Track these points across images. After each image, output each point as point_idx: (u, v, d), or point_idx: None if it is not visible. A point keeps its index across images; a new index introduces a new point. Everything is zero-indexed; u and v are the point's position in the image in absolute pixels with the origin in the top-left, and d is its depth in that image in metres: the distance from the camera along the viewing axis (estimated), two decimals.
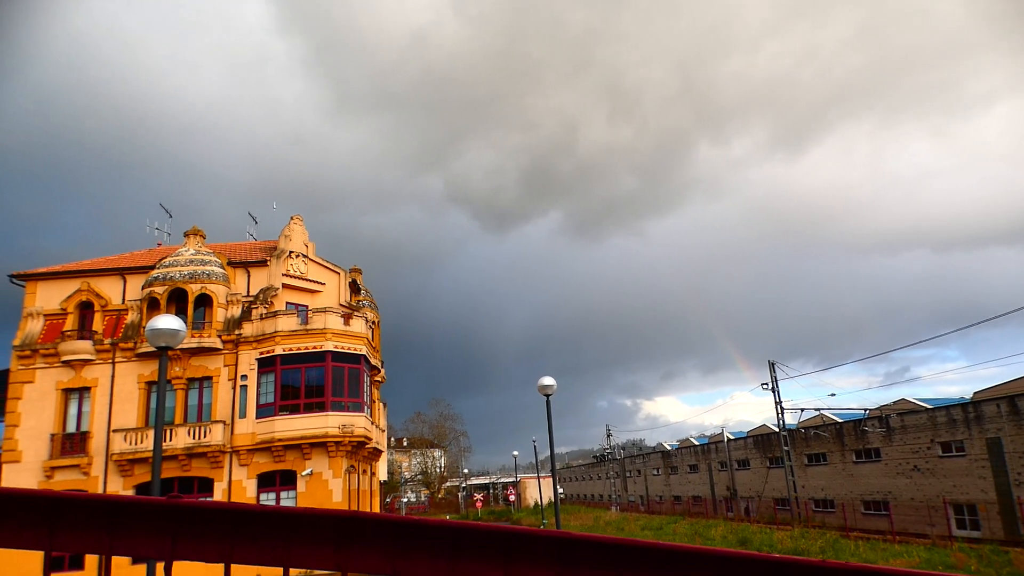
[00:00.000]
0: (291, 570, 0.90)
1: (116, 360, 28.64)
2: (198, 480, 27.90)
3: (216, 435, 27.63)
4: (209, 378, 29.04)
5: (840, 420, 45.08)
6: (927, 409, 37.96)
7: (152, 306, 28.85)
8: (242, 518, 0.90)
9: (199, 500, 0.90)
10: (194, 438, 27.51)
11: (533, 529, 0.86)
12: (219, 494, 27.70)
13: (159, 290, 28.80)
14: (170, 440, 27.04)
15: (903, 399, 42.52)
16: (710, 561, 0.84)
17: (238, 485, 27.90)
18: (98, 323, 29.36)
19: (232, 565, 0.88)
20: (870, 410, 42.33)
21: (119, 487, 27.33)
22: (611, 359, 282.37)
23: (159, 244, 36.58)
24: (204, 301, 29.67)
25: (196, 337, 28.43)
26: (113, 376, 28.49)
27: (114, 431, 27.50)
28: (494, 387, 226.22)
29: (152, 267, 30.10)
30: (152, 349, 23.55)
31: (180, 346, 23.88)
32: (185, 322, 27.02)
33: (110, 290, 30.19)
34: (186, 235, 31.35)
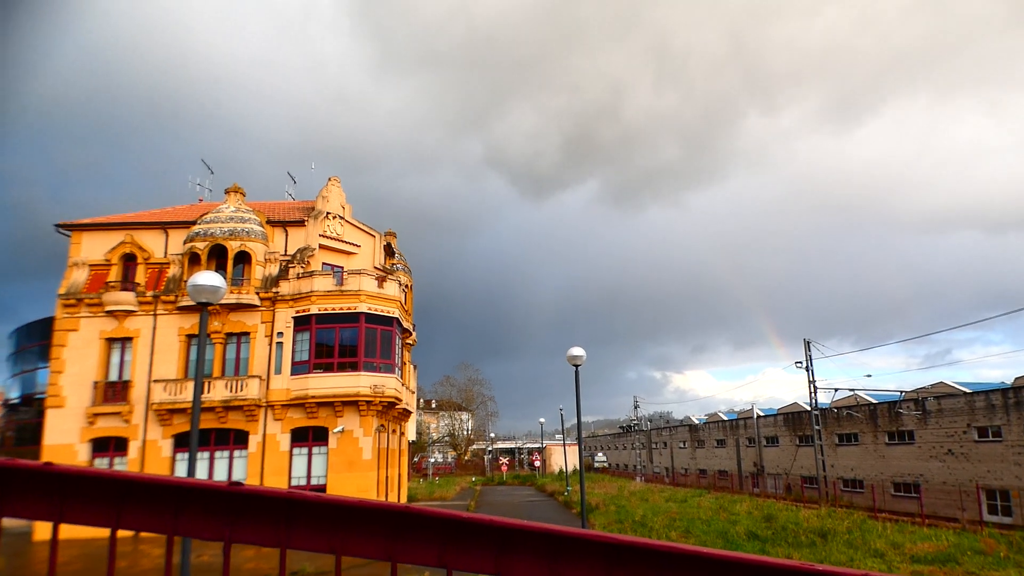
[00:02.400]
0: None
1: (157, 312, 29.52)
2: (234, 432, 28.84)
3: (252, 389, 28.45)
4: (246, 334, 29.79)
5: (875, 401, 44.39)
6: (965, 393, 37.13)
7: (193, 261, 29.56)
8: (299, 506, 0.93)
9: (259, 487, 0.94)
10: (231, 391, 28.37)
11: (579, 531, 0.88)
12: (254, 447, 28.63)
13: (200, 245, 29.44)
14: (208, 392, 27.92)
15: (941, 382, 41.65)
16: (753, 571, 0.84)
17: (272, 439, 28.78)
18: (140, 275, 30.22)
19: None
20: (906, 392, 41.58)
21: (158, 436, 28.43)
22: (642, 331, 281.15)
23: (200, 200, 37.26)
24: (243, 258, 30.28)
25: (235, 293, 29.10)
26: (154, 328, 29.40)
27: (154, 381, 28.49)
28: (523, 353, 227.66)
29: (193, 222, 30.74)
30: (192, 303, 24.23)
31: (219, 302, 24.43)
32: (224, 278, 27.66)
33: (152, 243, 30.98)
34: (227, 192, 31.86)
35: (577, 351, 21.68)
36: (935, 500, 36.21)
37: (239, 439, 28.90)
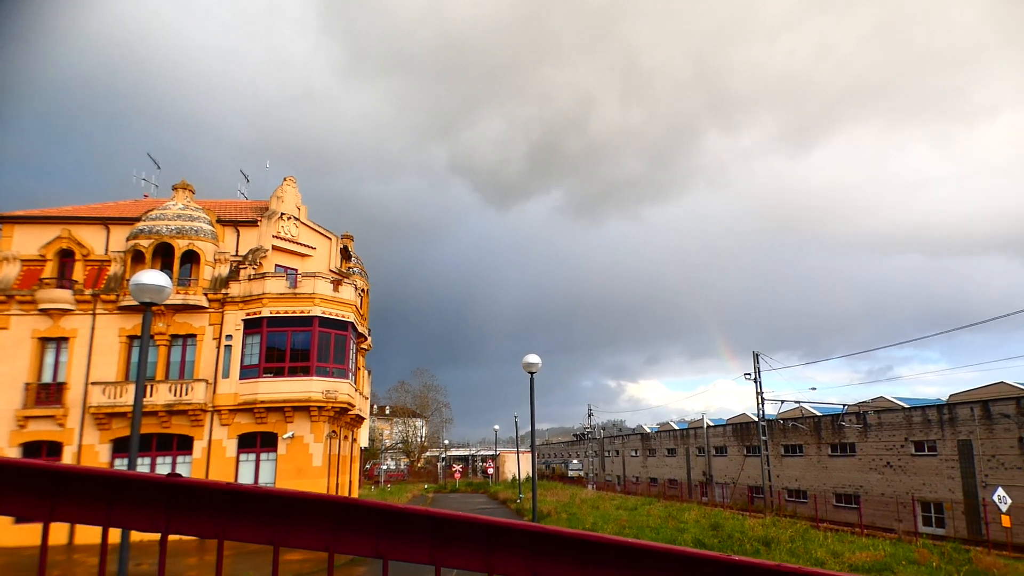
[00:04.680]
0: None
1: (96, 312, 28.35)
2: (177, 437, 27.94)
3: (198, 393, 27.63)
4: (193, 336, 28.94)
5: (819, 413, 45.82)
6: (903, 408, 38.64)
7: (136, 259, 28.59)
8: (237, 498, 0.93)
9: (196, 479, 0.94)
10: (175, 395, 27.49)
11: (512, 522, 0.91)
12: (198, 452, 27.80)
13: (144, 243, 28.50)
14: (150, 396, 26.99)
15: (881, 397, 43.26)
16: (669, 559, 0.89)
17: (218, 444, 27.99)
18: (78, 272, 28.99)
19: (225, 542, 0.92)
20: (849, 405, 43.03)
21: (95, 440, 27.31)
22: (599, 340, 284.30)
23: (146, 195, 36.12)
24: (191, 257, 29.45)
25: (181, 294, 28.26)
26: (93, 328, 28.22)
27: (92, 384, 27.37)
28: (481, 361, 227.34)
29: (138, 219, 29.72)
30: (135, 303, 23.42)
31: (165, 302, 23.75)
32: (170, 278, 26.78)
33: (92, 239, 29.77)
34: (175, 188, 30.94)
35: (532, 358, 21.82)
36: (874, 511, 37.50)
37: (183, 444, 28.01)
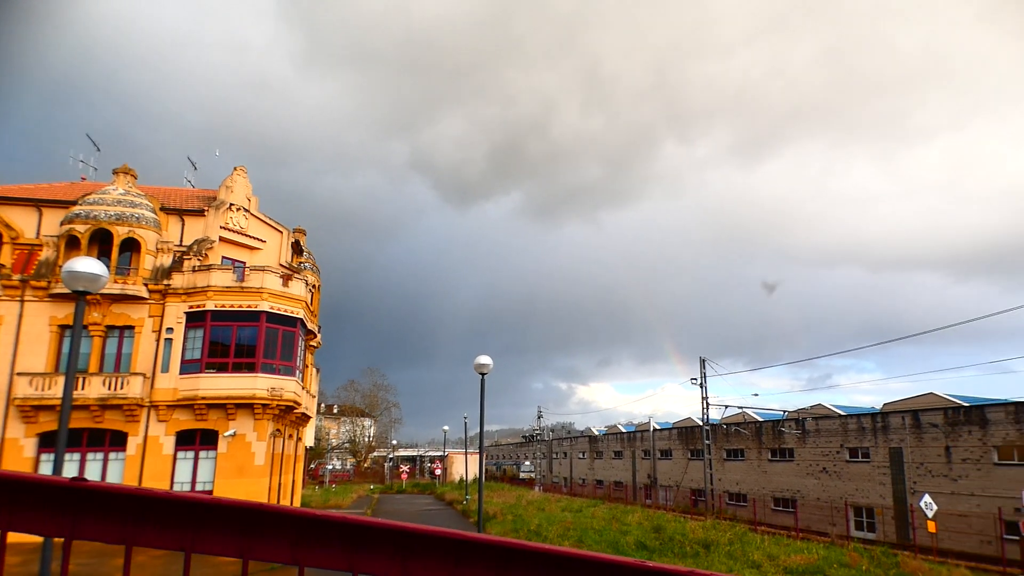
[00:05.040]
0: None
1: (25, 298, 26.98)
2: (111, 433, 26.83)
3: (134, 388, 26.61)
4: (131, 327, 27.86)
5: (760, 419, 47.17)
6: (840, 415, 40.13)
7: (71, 245, 27.34)
8: (147, 503, 0.89)
9: (103, 483, 0.89)
10: (109, 389, 26.40)
11: (428, 528, 0.90)
12: (133, 449, 26.76)
13: (80, 228, 27.29)
14: (82, 389, 25.84)
15: (819, 404, 44.82)
16: (589, 566, 0.90)
17: (154, 441, 27.00)
18: (6, 256, 27.55)
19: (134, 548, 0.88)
20: (789, 412, 44.44)
21: (20, 434, 25.99)
22: (552, 342, 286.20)
23: (83, 178, 34.59)
24: (131, 246, 28.32)
25: (119, 283, 27.16)
26: (21, 315, 26.84)
27: (18, 374, 26.04)
28: (433, 361, 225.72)
29: (74, 202, 28.41)
30: (68, 291, 22.44)
31: (101, 291, 22.86)
32: (108, 266, 25.67)
33: (23, 221, 28.33)
34: (115, 172, 29.72)
35: (484, 359, 21.83)
36: (810, 515, 38.82)
37: (116, 440, 26.91)
